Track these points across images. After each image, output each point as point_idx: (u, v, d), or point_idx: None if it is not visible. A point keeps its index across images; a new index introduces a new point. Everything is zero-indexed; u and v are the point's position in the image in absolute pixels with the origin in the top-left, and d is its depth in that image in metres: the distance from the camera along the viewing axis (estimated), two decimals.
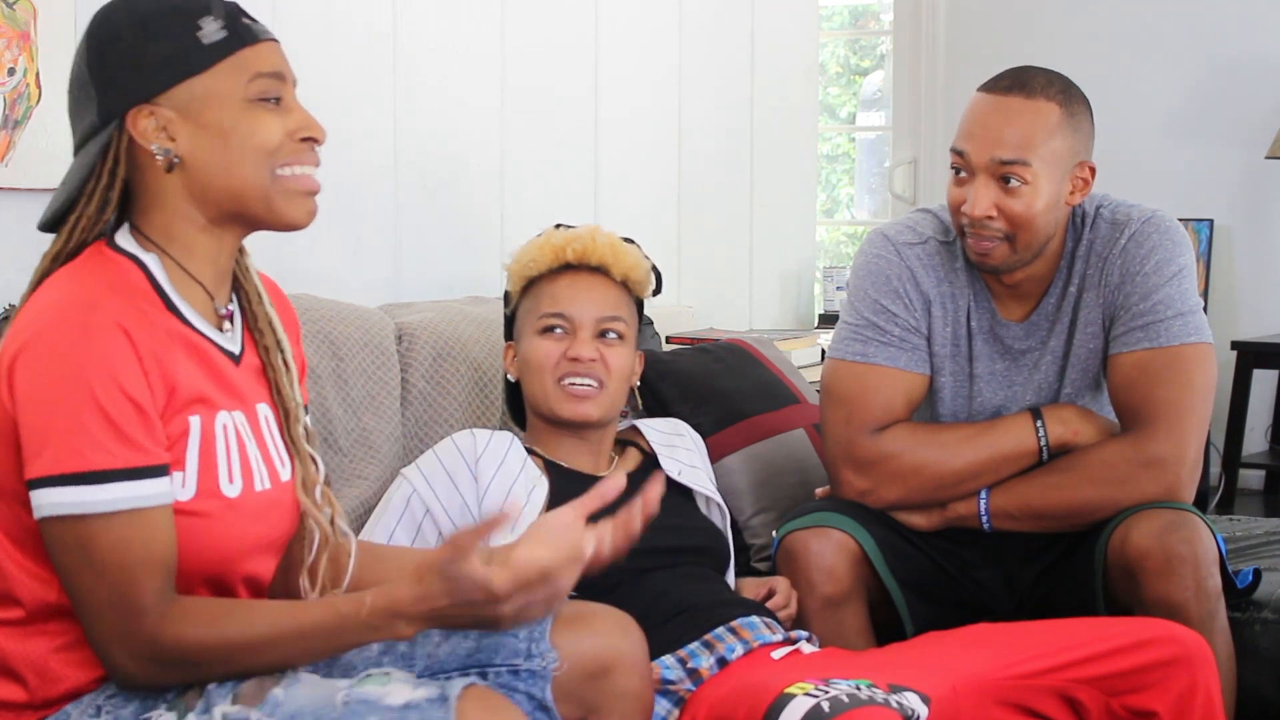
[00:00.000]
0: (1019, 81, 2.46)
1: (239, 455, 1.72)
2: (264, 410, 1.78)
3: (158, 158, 1.68)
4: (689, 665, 2.21)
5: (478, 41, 3.50)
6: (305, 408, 1.86)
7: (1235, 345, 5.10)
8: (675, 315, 3.92)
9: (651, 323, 3.25)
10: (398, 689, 1.60)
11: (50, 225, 1.73)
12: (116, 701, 1.65)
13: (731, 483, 2.83)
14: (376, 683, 1.61)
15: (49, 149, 2.61)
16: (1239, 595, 2.50)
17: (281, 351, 1.82)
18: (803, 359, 3.91)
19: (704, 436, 2.71)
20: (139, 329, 1.62)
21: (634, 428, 2.61)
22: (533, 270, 2.50)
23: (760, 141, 4.52)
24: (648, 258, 2.55)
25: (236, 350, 1.77)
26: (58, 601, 1.64)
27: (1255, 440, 5.33)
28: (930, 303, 2.55)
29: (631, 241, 2.54)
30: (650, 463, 2.53)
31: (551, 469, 2.42)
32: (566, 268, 2.48)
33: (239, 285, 1.82)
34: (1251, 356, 5.10)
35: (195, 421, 1.67)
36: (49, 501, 1.57)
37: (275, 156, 1.71)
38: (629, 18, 3.94)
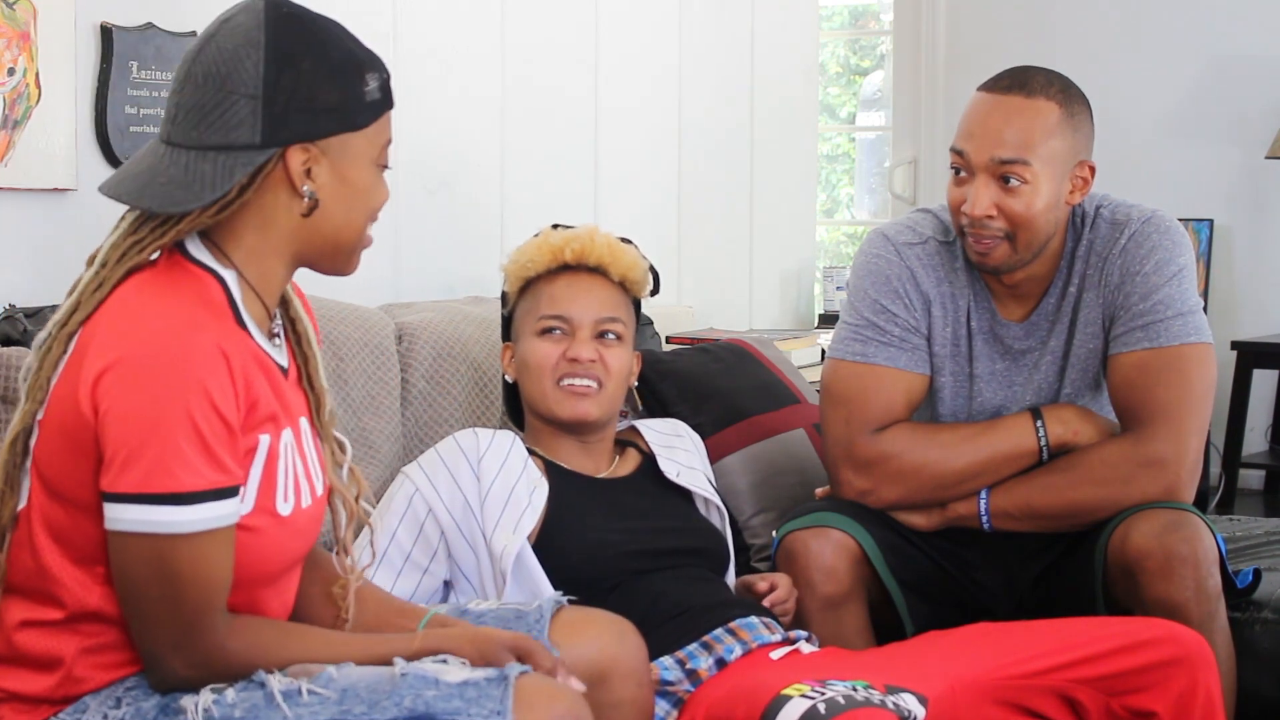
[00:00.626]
0: (1019, 81, 2.45)
1: (293, 473, 1.74)
2: (304, 423, 1.80)
3: (305, 199, 1.70)
4: (687, 666, 2.21)
5: (478, 41, 3.49)
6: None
7: (1235, 345, 5.09)
8: (675, 315, 3.92)
9: (651, 323, 3.25)
10: (455, 669, 1.65)
11: (126, 203, 1.69)
12: (137, 694, 1.66)
13: (731, 483, 2.82)
14: (434, 662, 1.67)
15: (49, 149, 2.61)
16: (1239, 595, 2.50)
17: (311, 339, 1.85)
18: (803, 359, 3.91)
19: (704, 436, 2.71)
20: (235, 352, 1.63)
21: (633, 428, 2.60)
22: (530, 271, 2.49)
23: (760, 141, 4.52)
24: (645, 258, 2.54)
25: (285, 363, 1.79)
26: (97, 606, 1.65)
27: (1255, 440, 5.33)
28: (930, 303, 2.55)
29: (629, 241, 2.54)
30: (649, 463, 2.53)
31: (552, 470, 2.42)
32: (564, 268, 2.48)
33: (283, 299, 1.84)
34: (1251, 356, 5.10)
35: (265, 440, 1.68)
36: (132, 518, 1.58)
37: (373, 218, 1.79)
38: (629, 18, 3.94)
